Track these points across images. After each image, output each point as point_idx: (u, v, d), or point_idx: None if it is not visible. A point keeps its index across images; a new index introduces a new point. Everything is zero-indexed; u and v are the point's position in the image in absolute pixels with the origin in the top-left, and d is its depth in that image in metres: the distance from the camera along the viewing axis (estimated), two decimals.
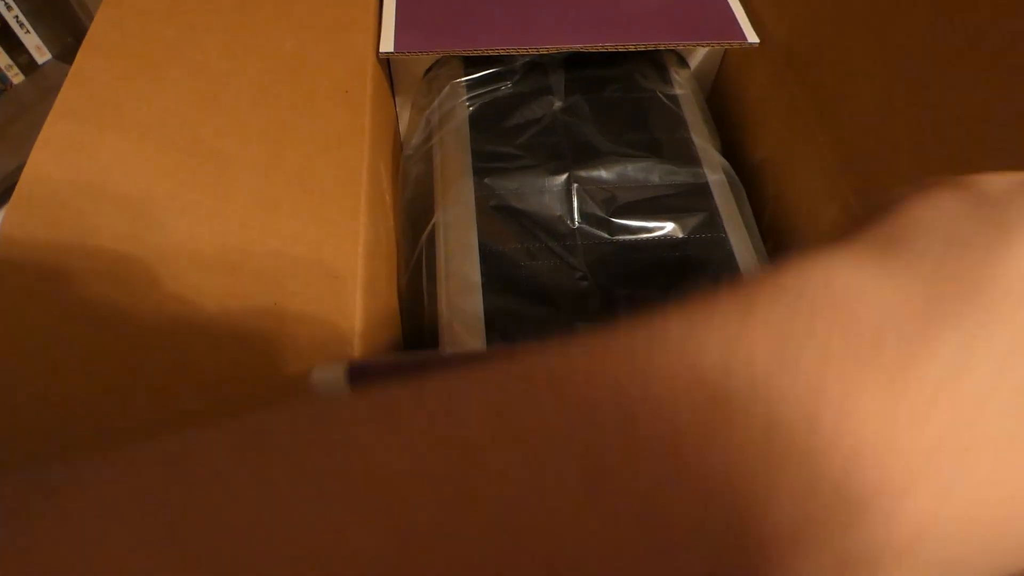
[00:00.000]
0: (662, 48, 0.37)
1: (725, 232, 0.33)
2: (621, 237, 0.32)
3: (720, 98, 0.43)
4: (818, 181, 0.34)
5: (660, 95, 0.39)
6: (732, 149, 0.40)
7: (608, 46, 0.36)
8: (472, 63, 0.39)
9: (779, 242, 0.36)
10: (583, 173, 0.34)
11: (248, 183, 0.25)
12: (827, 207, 0.33)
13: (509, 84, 0.38)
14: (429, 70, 0.41)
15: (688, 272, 0.31)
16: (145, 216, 0.22)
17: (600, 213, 0.33)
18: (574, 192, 0.33)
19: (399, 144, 0.39)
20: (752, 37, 0.37)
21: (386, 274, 0.33)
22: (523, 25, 0.37)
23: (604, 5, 0.38)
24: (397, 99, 0.43)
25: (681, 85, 0.40)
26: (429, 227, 0.34)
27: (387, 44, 0.36)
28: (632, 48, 0.37)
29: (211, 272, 0.23)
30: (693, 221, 0.33)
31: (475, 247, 0.31)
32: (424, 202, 0.35)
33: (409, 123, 0.42)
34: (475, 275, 0.30)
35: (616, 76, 0.39)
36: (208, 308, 0.22)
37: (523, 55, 0.38)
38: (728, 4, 0.38)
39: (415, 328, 0.33)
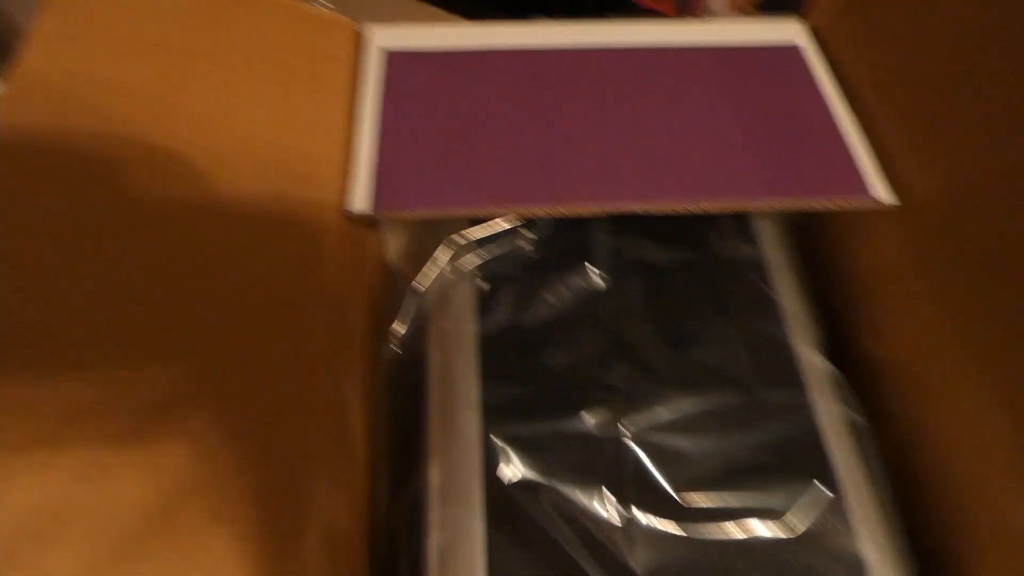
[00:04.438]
0: (755, 209, 0.26)
1: (849, 524, 0.22)
2: (698, 533, 0.21)
3: (812, 256, 0.32)
4: (989, 422, 0.24)
5: (740, 262, 0.28)
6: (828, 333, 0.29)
7: (680, 207, 0.26)
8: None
9: (907, 496, 0.26)
10: (638, 420, 0.23)
11: None
12: (1009, 468, 0.22)
13: (533, 241, 0.27)
14: None
15: None
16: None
17: (667, 488, 0.22)
18: (628, 459, 0.22)
19: (376, 321, 0.28)
20: (885, 196, 0.26)
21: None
22: (555, 173, 0.26)
23: (669, 141, 0.27)
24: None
25: (767, 240, 0.29)
26: (414, 490, 0.23)
27: (360, 199, 0.25)
28: (715, 210, 0.26)
29: None
30: (804, 510, 0.22)
31: (481, 562, 0.21)
32: (413, 427, 0.25)
33: (402, 266, 0.31)
34: None
35: (678, 231, 0.28)
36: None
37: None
38: (846, 148, 0.27)
39: None
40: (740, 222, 0.29)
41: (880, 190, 0.26)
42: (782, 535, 0.21)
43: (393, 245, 0.32)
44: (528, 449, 0.22)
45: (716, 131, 0.27)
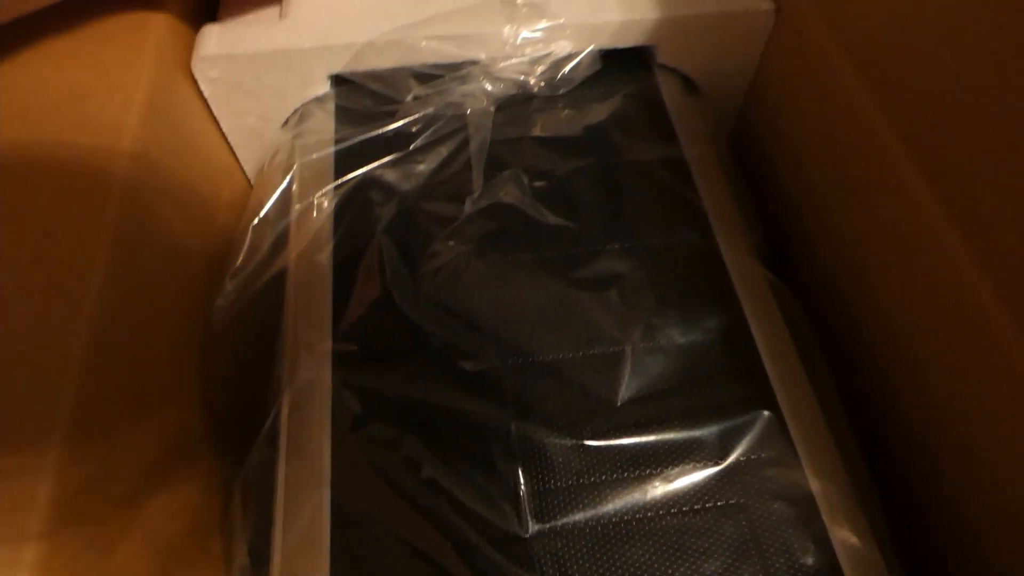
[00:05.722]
0: None
1: (793, 448, 0.18)
2: (605, 470, 0.17)
3: (747, 152, 0.27)
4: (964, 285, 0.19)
5: (656, 164, 0.23)
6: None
7: None
8: (349, 119, 0.23)
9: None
10: (524, 354, 0.18)
11: None
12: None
13: (402, 156, 0.23)
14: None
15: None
16: None
17: (562, 437, 0.18)
18: (513, 436, 0.17)
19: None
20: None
21: None
22: None
23: None
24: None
25: (691, 137, 0.24)
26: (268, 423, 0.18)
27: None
28: None
29: None
30: (737, 434, 0.18)
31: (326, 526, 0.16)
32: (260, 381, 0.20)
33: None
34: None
35: (582, 136, 0.24)
36: None
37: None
38: None
39: None
40: (656, 115, 0.25)
41: None
42: (712, 465, 0.17)
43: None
44: (387, 404, 0.18)
45: None
